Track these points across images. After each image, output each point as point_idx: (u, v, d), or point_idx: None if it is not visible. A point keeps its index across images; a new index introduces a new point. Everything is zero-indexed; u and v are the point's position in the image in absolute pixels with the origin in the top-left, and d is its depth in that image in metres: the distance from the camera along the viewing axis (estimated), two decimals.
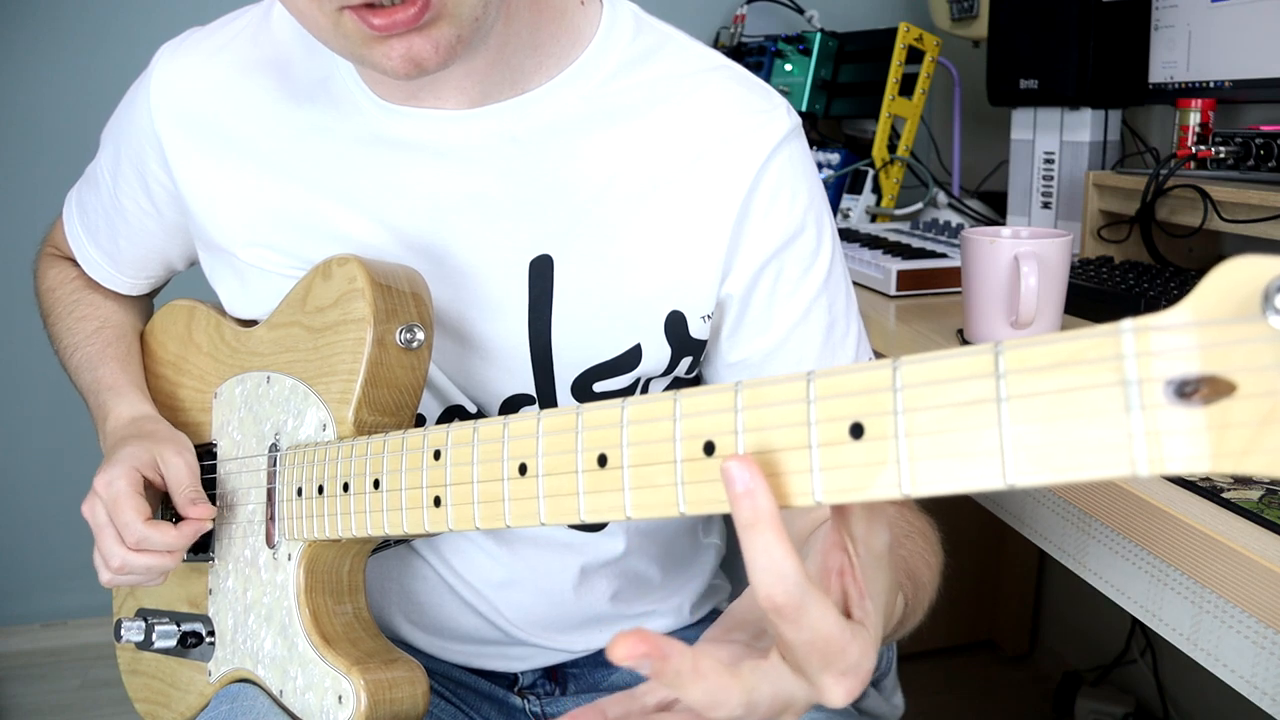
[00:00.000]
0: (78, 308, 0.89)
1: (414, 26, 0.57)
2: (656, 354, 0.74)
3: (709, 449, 0.42)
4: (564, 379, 0.74)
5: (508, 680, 0.87)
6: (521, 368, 0.73)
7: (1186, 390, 0.30)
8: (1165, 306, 1.01)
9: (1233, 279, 0.29)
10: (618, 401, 0.45)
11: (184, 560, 0.79)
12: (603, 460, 0.46)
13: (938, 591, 0.69)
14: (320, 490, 0.65)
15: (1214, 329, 0.30)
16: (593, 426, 0.46)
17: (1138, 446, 0.31)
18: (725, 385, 0.42)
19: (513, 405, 0.75)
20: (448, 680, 0.84)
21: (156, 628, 0.76)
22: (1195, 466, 0.30)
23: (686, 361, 0.76)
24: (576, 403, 0.74)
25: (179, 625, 0.76)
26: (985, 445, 0.34)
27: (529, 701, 0.86)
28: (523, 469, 0.49)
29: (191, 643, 0.76)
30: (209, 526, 0.72)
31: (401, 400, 0.67)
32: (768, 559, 0.39)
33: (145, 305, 0.95)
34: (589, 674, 0.88)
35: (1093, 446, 0.32)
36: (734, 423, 0.41)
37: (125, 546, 0.71)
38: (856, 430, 0.38)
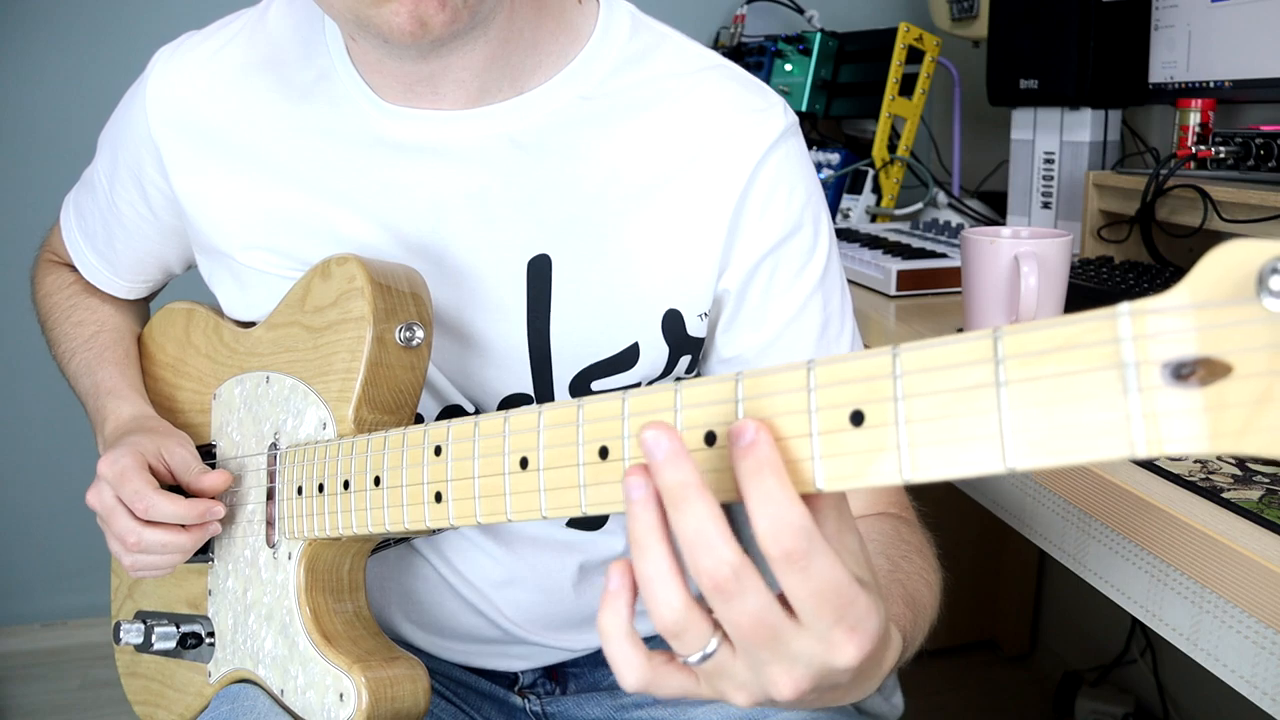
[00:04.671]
0: (75, 312, 0.89)
1: None
2: (654, 352, 0.74)
3: (710, 439, 0.42)
4: (562, 378, 0.74)
5: (508, 680, 0.87)
6: (520, 367, 0.73)
7: (1183, 372, 0.30)
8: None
9: (1227, 262, 0.30)
10: (618, 394, 0.46)
11: (185, 561, 0.79)
12: (604, 452, 0.46)
13: (938, 610, 0.68)
14: (320, 489, 0.65)
15: (1209, 311, 0.30)
16: (594, 419, 0.46)
17: (1136, 428, 0.31)
18: (726, 376, 0.42)
19: (510, 405, 0.75)
20: (448, 680, 0.84)
21: (155, 629, 0.76)
22: (1194, 447, 0.30)
23: (685, 360, 0.76)
24: None
25: (178, 627, 0.76)
26: (985, 429, 0.35)
27: (529, 701, 0.86)
28: (524, 463, 0.50)
29: (191, 644, 0.76)
30: (221, 513, 0.71)
31: (401, 399, 0.67)
32: (774, 506, 0.39)
33: (143, 309, 0.95)
34: (589, 673, 0.88)
35: (1091, 429, 0.32)
36: (735, 413, 0.42)
37: (138, 520, 0.70)
38: (857, 417, 0.38)
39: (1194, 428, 0.30)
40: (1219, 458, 0.71)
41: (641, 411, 0.45)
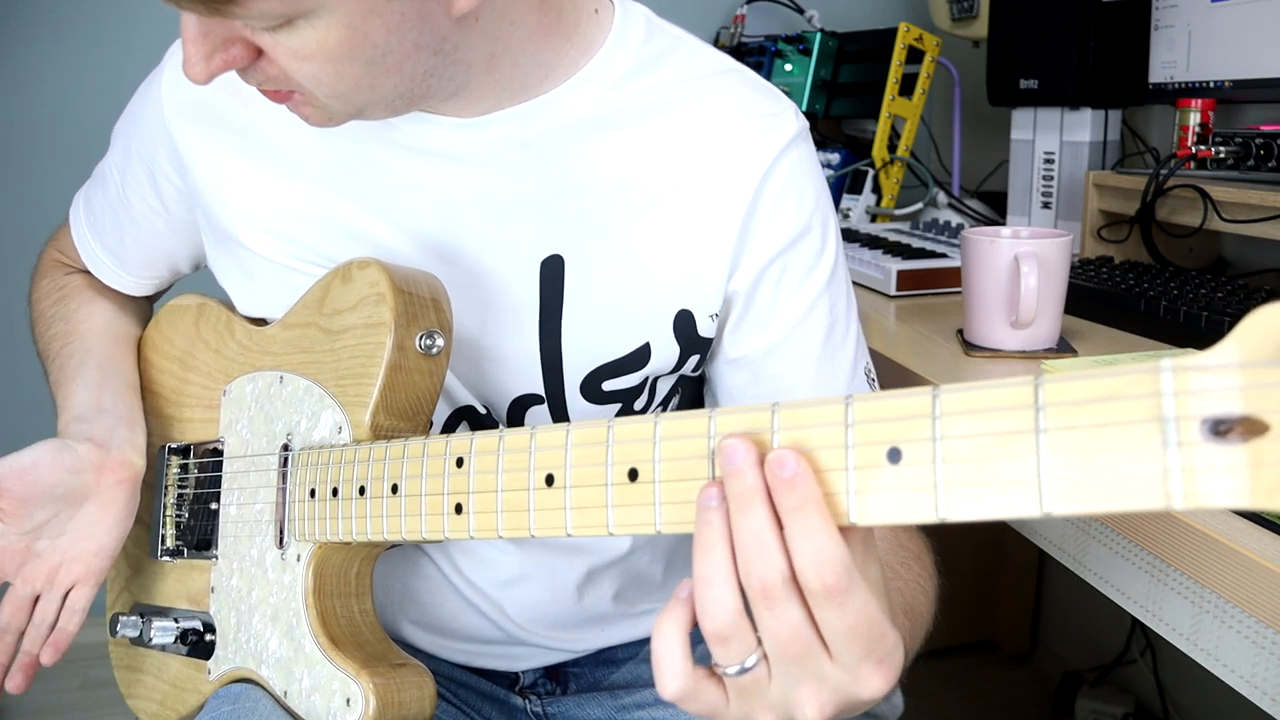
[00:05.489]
0: (53, 323, 0.89)
1: (290, 102, 0.63)
2: (665, 352, 0.74)
3: None
4: (573, 378, 0.74)
5: (509, 680, 0.87)
6: (531, 367, 0.73)
7: (1221, 429, 0.31)
8: (1166, 306, 1.01)
9: (1270, 323, 0.31)
10: (650, 417, 0.46)
11: (186, 557, 0.79)
12: (634, 474, 0.46)
13: (934, 617, 0.69)
14: (334, 492, 0.65)
15: (1250, 371, 0.31)
16: (624, 440, 0.47)
17: (1173, 481, 0.32)
18: (762, 405, 0.43)
19: (521, 405, 0.75)
20: (449, 681, 0.84)
21: (154, 623, 0.75)
22: (1229, 502, 0.31)
23: (694, 360, 0.76)
24: (585, 401, 0.74)
25: (177, 622, 0.76)
26: (1022, 474, 0.35)
27: (530, 701, 0.86)
28: (549, 480, 0.50)
29: (191, 640, 0.76)
30: None
31: (418, 406, 0.67)
32: (818, 541, 0.40)
33: (144, 309, 0.94)
34: (590, 673, 0.89)
35: (1129, 480, 0.33)
36: (770, 443, 0.42)
37: None
38: (894, 455, 0.39)
39: (1230, 484, 0.31)
40: None
41: (674, 435, 0.45)
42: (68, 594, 0.78)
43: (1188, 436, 0.32)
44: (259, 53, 0.58)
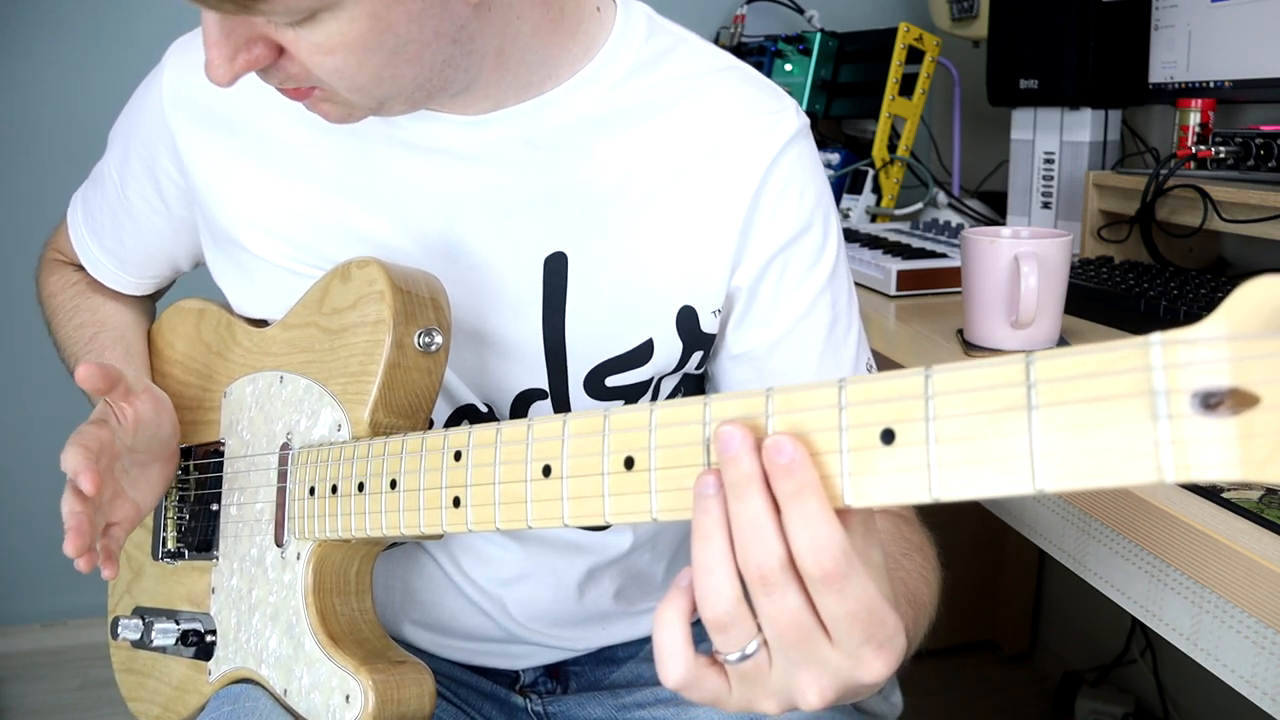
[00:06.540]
0: (76, 314, 0.89)
1: (309, 99, 0.63)
2: (668, 348, 0.74)
3: None
4: (577, 374, 0.74)
5: (509, 679, 0.87)
6: (535, 363, 0.74)
7: (1212, 401, 0.31)
8: (1166, 306, 1.01)
9: (1259, 296, 0.31)
10: (646, 405, 0.46)
11: (187, 558, 0.79)
12: (629, 463, 0.46)
13: (937, 608, 0.69)
14: (334, 490, 0.65)
15: (1239, 344, 0.31)
16: (620, 429, 0.47)
17: (1164, 454, 0.32)
18: (756, 391, 0.43)
19: (525, 400, 0.75)
20: (449, 680, 0.84)
21: (155, 625, 0.76)
22: (1221, 474, 0.31)
23: (697, 357, 0.76)
24: (589, 397, 0.74)
25: (178, 623, 0.76)
26: (1015, 451, 0.35)
27: (531, 700, 0.86)
28: (546, 470, 0.50)
29: (191, 641, 0.76)
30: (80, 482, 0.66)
31: (417, 403, 0.67)
32: (816, 526, 0.41)
33: (149, 306, 0.94)
34: (591, 671, 0.89)
35: (1121, 454, 0.33)
36: (765, 428, 0.42)
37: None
38: (888, 436, 0.39)
39: (1221, 455, 0.31)
40: None
41: (669, 423, 0.45)
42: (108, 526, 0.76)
43: (1178, 409, 0.32)
44: (280, 51, 0.59)
